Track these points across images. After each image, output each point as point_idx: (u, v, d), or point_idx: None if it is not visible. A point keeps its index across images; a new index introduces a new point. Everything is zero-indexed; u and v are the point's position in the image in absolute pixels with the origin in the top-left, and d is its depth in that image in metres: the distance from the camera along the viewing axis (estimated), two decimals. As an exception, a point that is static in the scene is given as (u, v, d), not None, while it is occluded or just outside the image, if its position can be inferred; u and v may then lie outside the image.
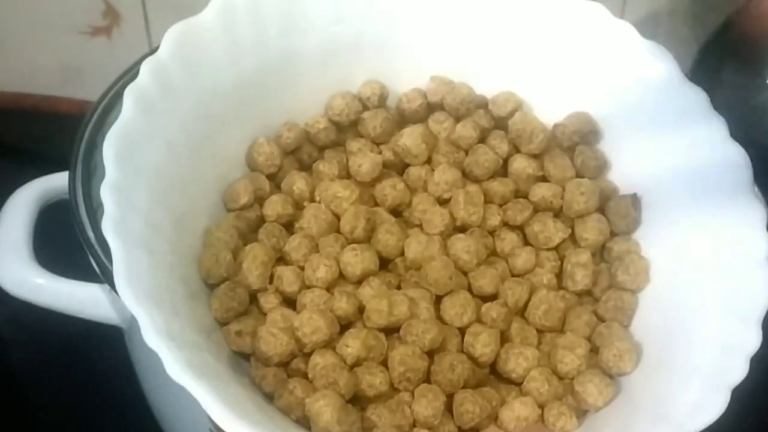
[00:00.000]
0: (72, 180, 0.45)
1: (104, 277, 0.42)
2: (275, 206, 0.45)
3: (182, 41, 0.43)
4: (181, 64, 0.43)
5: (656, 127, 0.46)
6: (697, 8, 0.68)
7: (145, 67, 0.42)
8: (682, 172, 0.45)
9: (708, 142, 0.44)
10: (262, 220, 0.45)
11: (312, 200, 0.46)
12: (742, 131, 0.44)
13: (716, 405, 0.36)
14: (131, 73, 0.48)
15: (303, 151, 0.48)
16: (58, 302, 0.47)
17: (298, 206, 0.46)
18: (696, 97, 0.45)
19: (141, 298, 0.35)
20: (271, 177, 0.47)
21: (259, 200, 0.46)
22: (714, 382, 0.38)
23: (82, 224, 0.44)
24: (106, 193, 0.37)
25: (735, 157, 0.43)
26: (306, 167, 0.48)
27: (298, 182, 0.46)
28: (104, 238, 0.37)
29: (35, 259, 0.46)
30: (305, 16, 0.47)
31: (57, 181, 0.49)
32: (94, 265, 0.43)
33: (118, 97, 0.43)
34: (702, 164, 0.44)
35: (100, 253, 0.42)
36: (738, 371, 0.38)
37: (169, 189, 0.41)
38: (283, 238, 0.44)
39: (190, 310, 0.39)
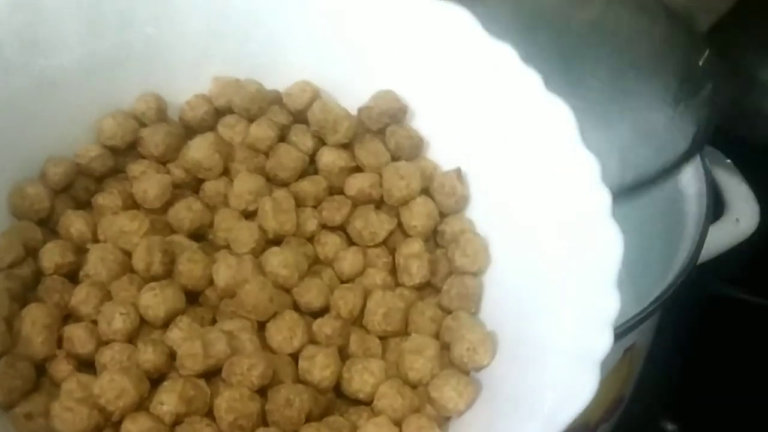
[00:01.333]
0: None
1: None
2: (52, 256, 0.39)
3: None
4: None
5: (468, 93, 0.42)
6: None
7: None
8: (504, 134, 0.41)
9: (525, 98, 0.41)
10: (39, 275, 0.39)
11: (96, 240, 0.40)
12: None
13: (586, 386, 0.32)
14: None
15: (77, 186, 0.42)
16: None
17: (81, 250, 0.40)
18: (504, 52, 0.41)
19: None
20: (42, 223, 0.40)
21: (32, 252, 0.39)
22: (579, 360, 0.34)
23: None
24: None
25: (556, 110, 0.40)
26: (84, 204, 0.42)
27: (75, 223, 0.40)
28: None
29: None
30: (53, 34, 0.41)
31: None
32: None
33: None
34: (523, 123, 0.41)
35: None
36: (603, 342, 0.34)
37: None
38: (67, 292, 0.38)
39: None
